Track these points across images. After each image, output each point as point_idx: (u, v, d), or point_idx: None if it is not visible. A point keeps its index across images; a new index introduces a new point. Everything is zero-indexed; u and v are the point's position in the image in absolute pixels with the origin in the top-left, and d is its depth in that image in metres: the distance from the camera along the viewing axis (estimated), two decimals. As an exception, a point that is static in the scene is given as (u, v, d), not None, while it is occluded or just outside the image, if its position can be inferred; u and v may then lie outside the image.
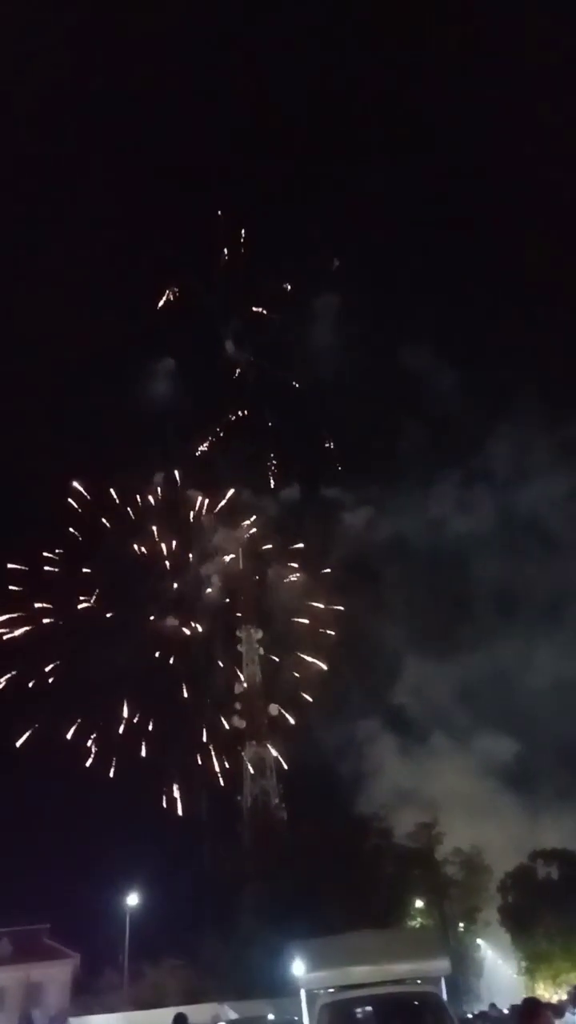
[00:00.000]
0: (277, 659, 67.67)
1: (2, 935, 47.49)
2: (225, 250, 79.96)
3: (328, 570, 70.94)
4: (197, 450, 79.46)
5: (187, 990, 36.47)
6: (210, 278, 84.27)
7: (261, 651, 70.95)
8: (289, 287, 78.66)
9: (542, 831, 46.37)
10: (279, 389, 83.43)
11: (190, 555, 73.67)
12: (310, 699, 64.73)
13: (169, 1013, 18.55)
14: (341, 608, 67.00)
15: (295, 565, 71.26)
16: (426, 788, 52.43)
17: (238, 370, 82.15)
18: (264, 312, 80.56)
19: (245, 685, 69.40)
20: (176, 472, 75.90)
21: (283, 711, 66.58)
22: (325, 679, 64.36)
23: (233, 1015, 28.10)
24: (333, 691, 62.50)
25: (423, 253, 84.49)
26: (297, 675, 65.89)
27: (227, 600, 72.42)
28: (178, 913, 43.02)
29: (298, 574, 71.05)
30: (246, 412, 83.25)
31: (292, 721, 65.16)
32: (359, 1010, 11.05)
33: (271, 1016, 26.11)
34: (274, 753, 66.77)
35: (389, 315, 75.70)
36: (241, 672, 70.16)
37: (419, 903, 43.02)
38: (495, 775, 53.99)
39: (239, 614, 72.04)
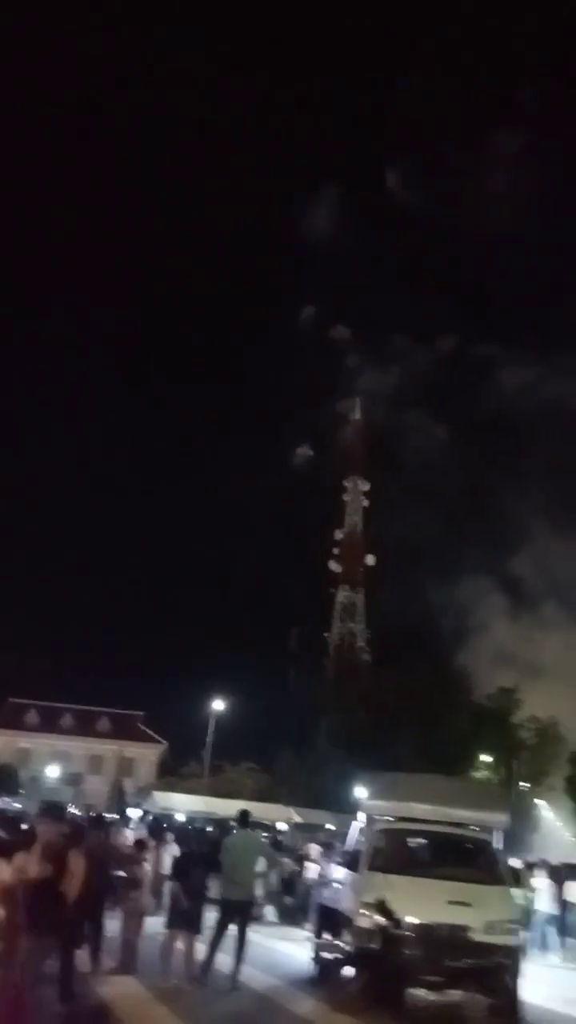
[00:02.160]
0: (390, 510, 67.31)
1: (103, 714, 53.63)
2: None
3: (470, 427, 68.56)
4: (352, 286, 76.52)
5: (259, 790, 40.22)
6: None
7: (366, 502, 71.20)
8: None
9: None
10: (450, 233, 77.52)
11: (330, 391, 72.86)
12: (417, 554, 64.71)
13: (243, 805, 20.36)
14: (473, 468, 65.12)
15: (436, 418, 69.27)
16: (523, 654, 52.56)
17: (407, 208, 77.07)
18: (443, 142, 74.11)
19: (346, 532, 70.52)
20: (325, 305, 73.76)
21: (381, 562, 67.53)
22: (440, 538, 63.56)
23: (298, 819, 30.82)
24: (448, 550, 61.99)
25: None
26: (409, 530, 65.44)
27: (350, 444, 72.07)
28: (259, 726, 46.64)
29: (438, 427, 69.15)
30: (412, 253, 78.64)
31: (389, 571, 66.20)
32: (413, 841, 11.57)
33: (330, 826, 28.42)
34: (364, 599, 68.60)
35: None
36: (344, 519, 71.13)
37: (487, 758, 44.65)
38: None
39: (351, 462, 71.99)
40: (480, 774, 42.64)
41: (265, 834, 22.00)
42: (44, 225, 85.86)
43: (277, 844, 21.05)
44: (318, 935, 11.21)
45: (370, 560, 68.63)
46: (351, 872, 11.09)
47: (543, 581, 60.64)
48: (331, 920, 11.39)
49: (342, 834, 20.79)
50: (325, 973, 10.25)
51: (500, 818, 12.12)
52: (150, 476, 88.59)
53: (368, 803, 12.64)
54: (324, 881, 12.34)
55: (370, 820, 11.97)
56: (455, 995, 9.10)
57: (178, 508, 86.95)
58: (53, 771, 46.64)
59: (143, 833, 16.03)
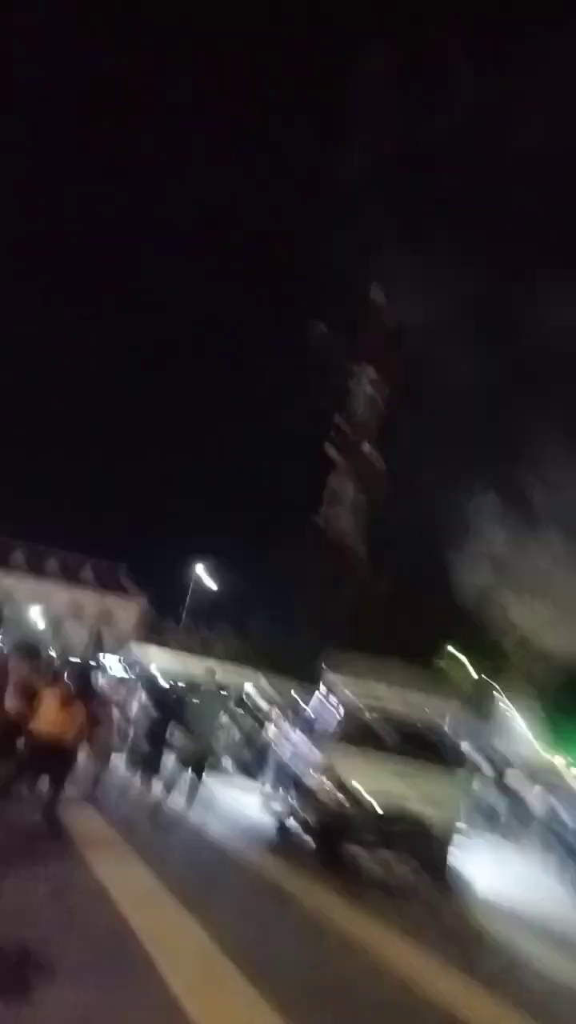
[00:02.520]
0: (396, 402, 65.59)
1: (86, 562, 54.46)
2: None
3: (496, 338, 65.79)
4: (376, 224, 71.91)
5: (233, 654, 41.72)
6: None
7: (370, 390, 69.70)
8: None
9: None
10: (470, 166, 72.20)
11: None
12: (417, 449, 63.77)
13: (216, 664, 21.41)
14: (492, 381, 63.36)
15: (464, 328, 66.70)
16: (515, 566, 52.69)
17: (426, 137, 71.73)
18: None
19: (345, 418, 69.44)
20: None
21: (379, 454, 66.90)
22: (445, 438, 62.14)
23: (266, 684, 32.09)
24: (451, 451, 60.68)
25: None
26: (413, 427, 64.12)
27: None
28: (241, 596, 47.68)
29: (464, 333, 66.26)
30: (431, 186, 73.67)
31: (386, 465, 65.56)
32: (369, 718, 12.12)
33: (295, 695, 29.72)
34: (355, 488, 68.48)
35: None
36: (346, 405, 69.84)
37: (454, 651, 45.99)
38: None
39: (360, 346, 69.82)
40: (445, 663, 44.16)
41: (223, 693, 22.97)
42: (47, 224, 79.80)
43: (242, 702, 22.01)
44: (273, 791, 11.97)
45: (365, 448, 68.05)
46: (309, 740, 11.72)
47: (546, 500, 60.04)
48: (286, 778, 12.13)
49: (306, 702, 21.85)
50: (273, 825, 11.03)
51: (452, 703, 12.81)
52: (155, 347, 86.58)
53: (331, 678, 13.22)
54: (283, 741, 13.04)
55: (331, 694, 12.54)
56: (388, 854, 9.90)
57: (181, 377, 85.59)
58: (35, 612, 47.91)
59: (120, 679, 16.74)
